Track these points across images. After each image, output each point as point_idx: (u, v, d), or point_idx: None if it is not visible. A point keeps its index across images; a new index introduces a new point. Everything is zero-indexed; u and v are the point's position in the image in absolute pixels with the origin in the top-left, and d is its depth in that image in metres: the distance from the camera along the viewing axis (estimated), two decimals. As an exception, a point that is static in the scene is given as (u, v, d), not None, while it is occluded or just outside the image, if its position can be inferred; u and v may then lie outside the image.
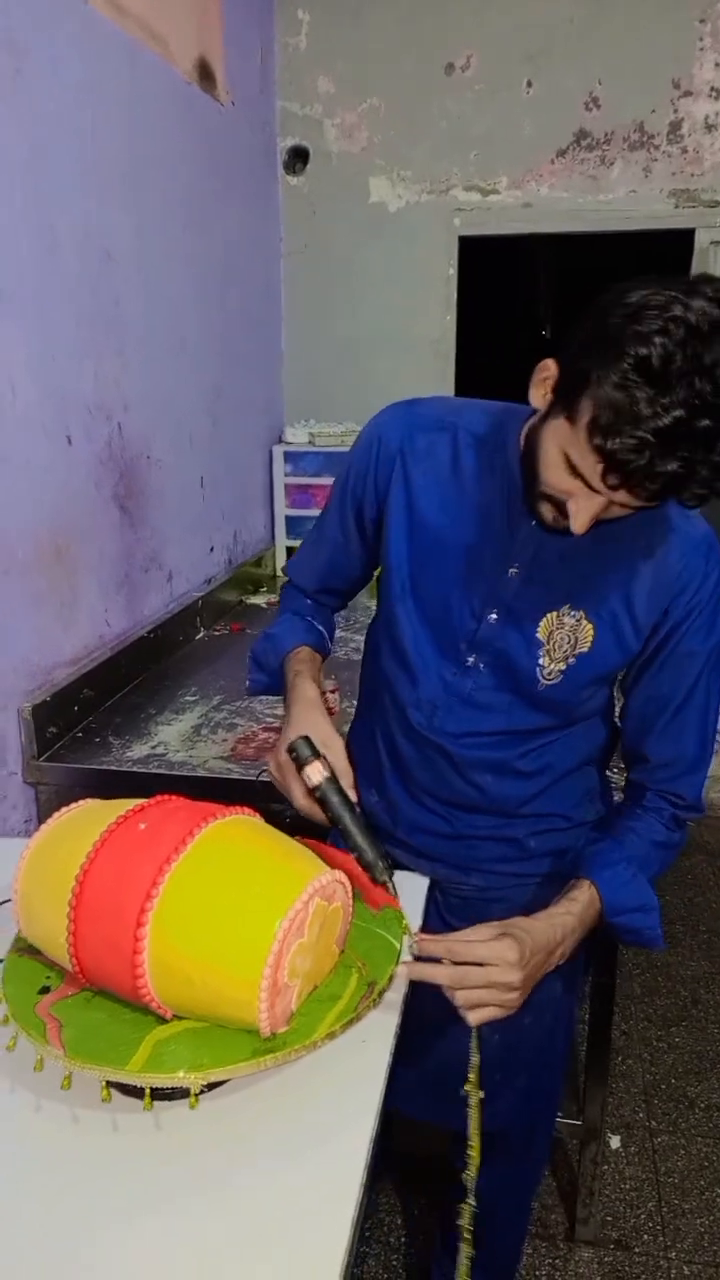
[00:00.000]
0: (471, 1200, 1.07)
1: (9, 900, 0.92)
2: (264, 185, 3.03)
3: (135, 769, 1.71)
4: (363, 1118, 0.81)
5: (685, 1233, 1.80)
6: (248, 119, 2.81)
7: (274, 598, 2.85)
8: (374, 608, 1.26)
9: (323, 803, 1.02)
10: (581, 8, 2.82)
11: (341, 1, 2.96)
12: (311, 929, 0.84)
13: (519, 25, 2.87)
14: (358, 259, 3.16)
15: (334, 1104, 0.83)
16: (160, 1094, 0.81)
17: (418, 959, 0.94)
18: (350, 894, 0.92)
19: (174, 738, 1.83)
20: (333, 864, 0.92)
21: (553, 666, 1.08)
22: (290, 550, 3.14)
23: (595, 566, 1.05)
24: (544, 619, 1.07)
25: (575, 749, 1.18)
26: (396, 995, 0.93)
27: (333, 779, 1.02)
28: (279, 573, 3.15)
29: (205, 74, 2.44)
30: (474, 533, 1.09)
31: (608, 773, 1.30)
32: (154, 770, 1.70)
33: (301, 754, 1.02)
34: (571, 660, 1.08)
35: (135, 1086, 0.80)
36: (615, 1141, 2.01)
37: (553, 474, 0.92)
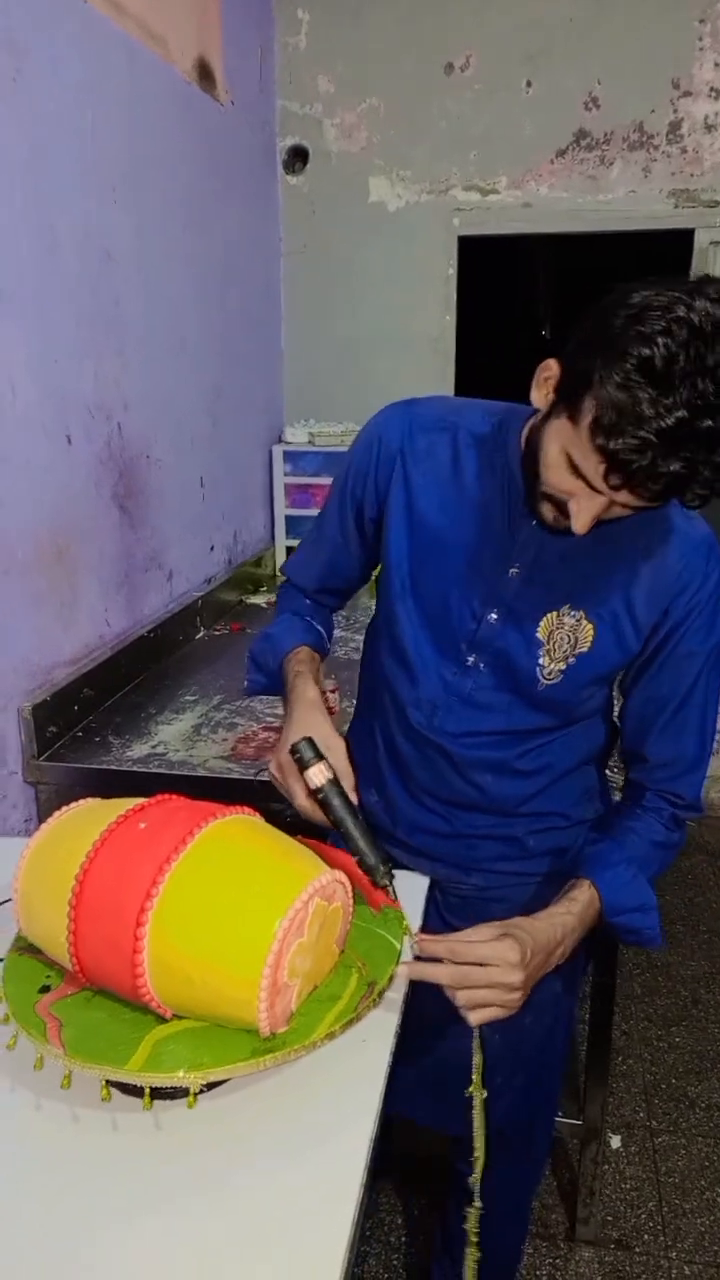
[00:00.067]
0: (479, 1203, 1.07)
1: (9, 899, 0.92)
2: (263, 185, 3.03)
3: (135, 768, 1.71)
4: (362, 1117, 0.81)
5: (686, 1232, 1.80)
6: (247, 119, 2.81)
7: (274, 597, 2.84)
8: (374, 607, 1.26)
9: (325, 805, 1.02)
10: (581, 8, 2.82)
11: (341, 1, 2.96)
12: (311, 929, 0.84)
13: (518, 25, 2.87)
14: (357, 258, 3.16)
15: (334, 1104, 0.83)
16: (160, 1093, 0.81)
17: (418, 959, 0.94)
18: (350, 894, 0.92)
19: (174, 737, 1.83)
20: (333, 864, 0.92)
21: (553, 666, 1.08)
22: (290, 550, 3.14)
23: (596, 566, 1.05)
24: (544, 619, 1.07)
25: (575, 748, 1.18)
26: (397, 995, 0.93)
27: (335, 781, 1.02)
28: (279, 572, 3.15)
29: (205, 73, 2.44)
30: (474, 533, 1.09)
31: (606, 772, 1.30)
32: (154, 770, 1.70)
33: (305, 756, 1.02)
34: (571, 660, 1.08)
35: (135, 1086, 0.80)
36: (616, 1141, 2.01)
37: (554, 474, 0.92)
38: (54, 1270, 0.68)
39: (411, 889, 1.13)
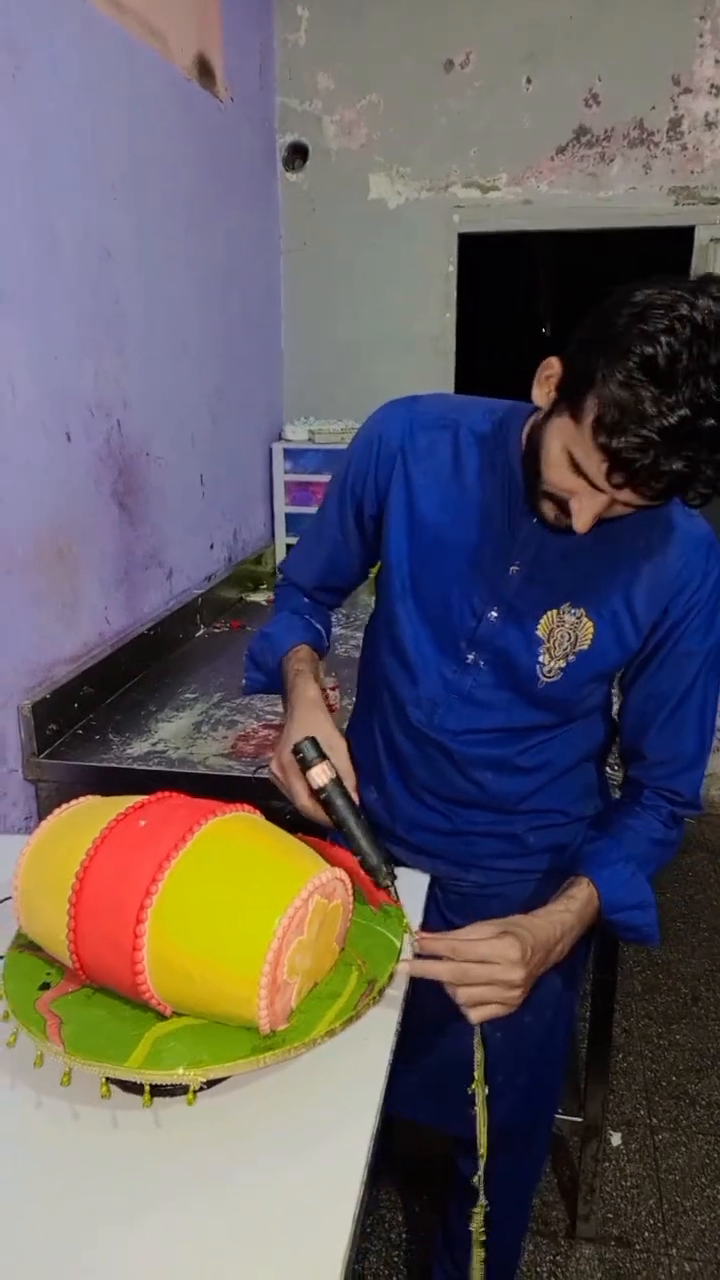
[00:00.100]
0: (484, 1202, 1.07)
1: (9, 897, 0.93)
2: (263, 182, 3.02)
3: (135, 766, 1.71)
4: (363, 1115, 0.81)
5: (686, 1229, 1.81)
6: (247, 116, 2.80)
7: (274, 595, 2.85)
8: (373, 605, 1.26)
9: (327, 805, 1.01)
10: (581, 5, 2.82)
11: (341, -2, 2.96)
12: (311, 926, 0.84)
13: (519, 22, 2.86)
14: (357, 256, 3.15)
15: (334, 1101, 0.83)
16: (160, 1090, 0.81)
17: (419, 957, 0.94)
18: (350, 891, 0.92)
19: (174, 735, 1.83)
20: (333, 861, 0.92)
21: (553, 664, 1.08)
22: (290, 547, 3.14)
23: (596, 565, 1.05)
24: (544, 617, 1.07)
25: (574, 745, 1.18)
26: (397, 993, 0.93)
27: (338, 781, 1.02)
28: (278, 570, 3.15)
29: (204, 70, 2.44)
30: (475, 531, 1.09)
31: (606, 769, 1.30)
32: (154, 767, 1.70)
33: (308, 756, 1.02)
34: (571, 658, 1.08)
35: (135, 1083, 0.80)
36: (616, 1138, 2.01)
37: (556, 472, 0.92)
38: (54, 1268, 0.69)
39: (412, 886, 1.13)
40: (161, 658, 2.24)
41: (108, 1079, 0.80)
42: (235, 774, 1.67)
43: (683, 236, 2.98)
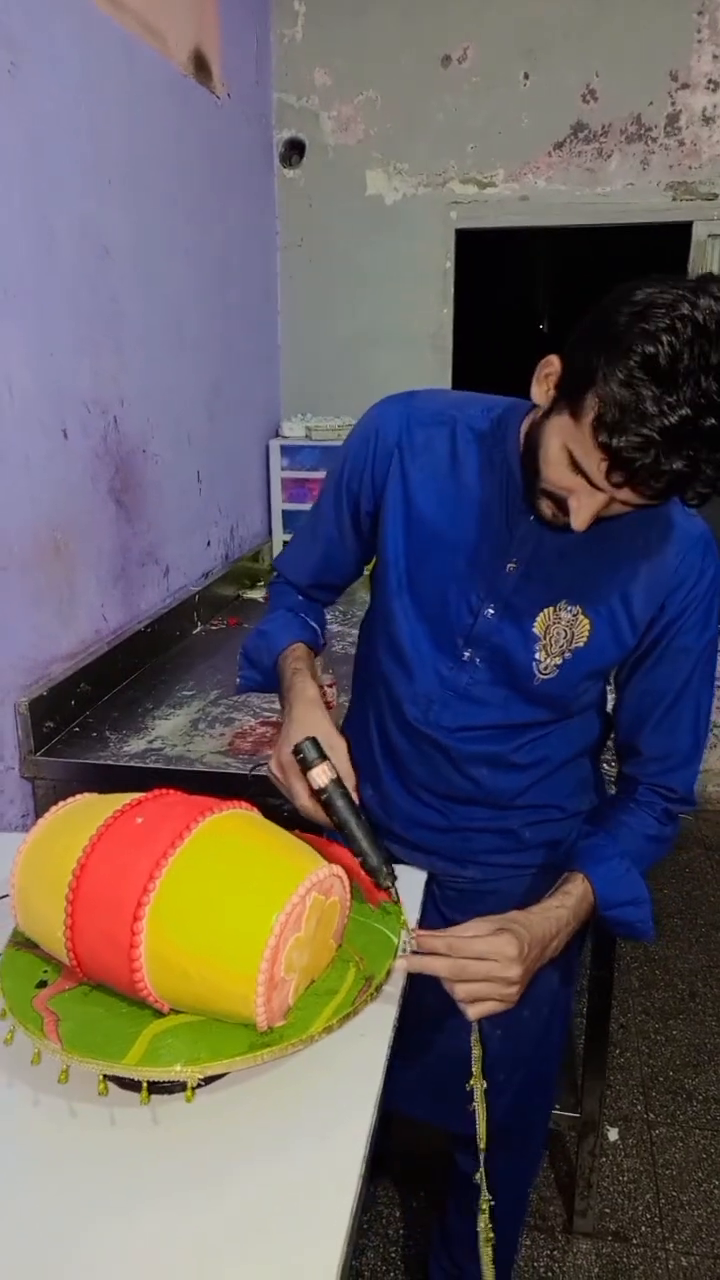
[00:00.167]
0: (489, 1197, 1.07)
1: (6, 895, 0.93)
2: (260, 178, 3.02)
3: (132, 763, 1.71)
4: (361, 1111, 0.81)
5: (683, 1224, 1.81)
6: (244, 111, 2.80)
7: (268, 592, 2.85)
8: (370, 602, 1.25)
9: (328, 806, 1.01)
10: (579, 1, 2.81)
11: (338, -7, 2.95)
12: (308, 923, 0.84)
13: (516, 18, 2.86)
14: (355, 252, 3.15)
15: (332, 1098, 0.83)
16: (157, 1088, 0.81)
17: (416, 954, 0.94)
18: (347, 888, 0.92)
19: (171, 732, 1.83)
20: (330, 858, 0.93)
21: (549, 661, 1.08)
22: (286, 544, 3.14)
23: (593, 562, 1.05)
24: (541, 614, 1.07)
25: (570, 741, 1.19)
26: (394, 989, 0.93)
27: (338, 782, 1.02)
28: (273, 567, 3.14)
29: (201, 66, 2.43)
30: (472, 528, 1.09)
31: (601, 764, 1.30)
32: (151, 765, 1.70)
33: (308, 756, 1.01)
34: (568, 655, 1.08)
35: (132, 1080, 0.80)
36: (613, 1134, 2.02)
37: (555, 470, 0.92)
38: (53, 1265, 0.69)
39: (409, 883, 1.13)
40: (158, 655, 2.24)
41: (105, 1076, 0.80)
42: (232, 771, 1.67)
43: (680, 232, 2.98)
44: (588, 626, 1.07)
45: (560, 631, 1.07)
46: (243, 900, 0.82)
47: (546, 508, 0.98)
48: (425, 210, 3.07)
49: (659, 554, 1.04)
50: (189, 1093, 0.79)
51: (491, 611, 1.09)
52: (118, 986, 0.84)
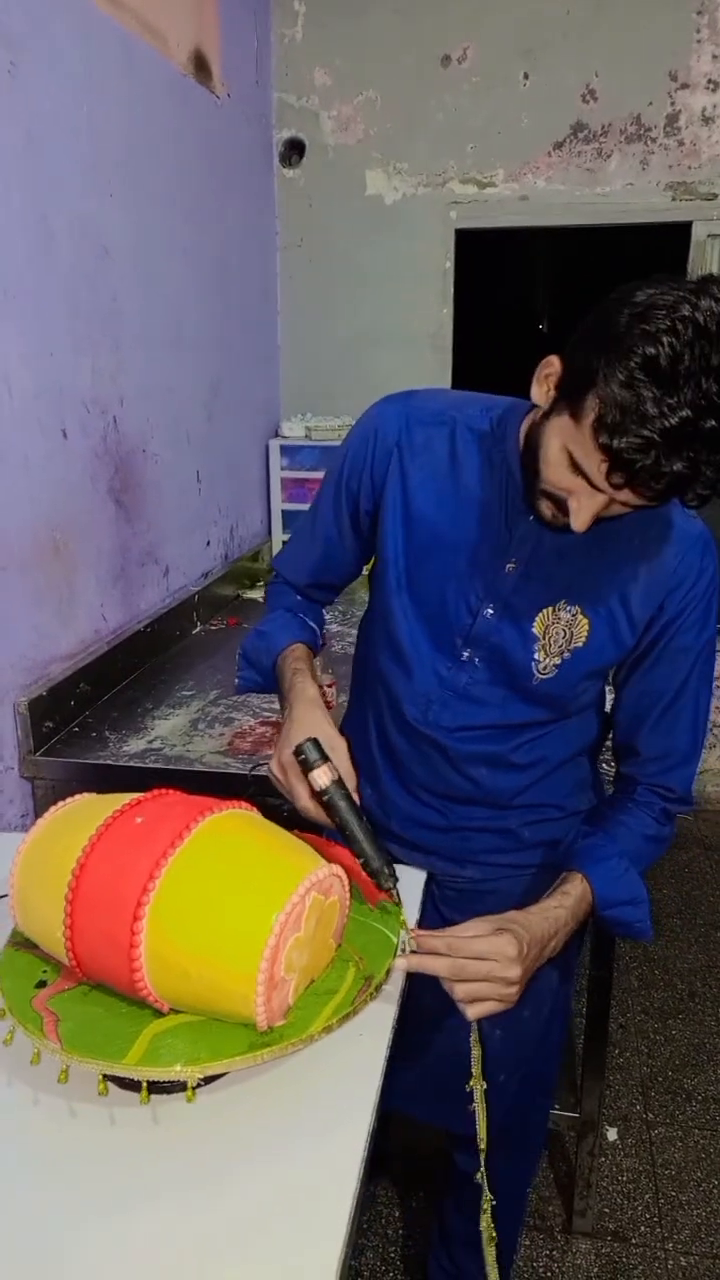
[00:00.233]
0: (490, 1198, 1.07)
1: (5, 895, 0.92)
2: (260, 178, 3.02)
3: (132, 763, 1.71)
4: (360, 1111, 0.81)
5: (682, 1224, 1.81)
6: (243, 111, 2.80)
7: (265, 592, 2.85)
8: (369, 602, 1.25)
9: (329, 807, 1.01)
10: (579, 1, 2.81)
11: (337, -7, 2.95)
12: (308, 923, 0.84)
13: (516, 18, 2.86)
14: (354, 252, 3.15)
15: (331, 1097, 0.83)
16: (157, 1088, 0.81)
17: (415, 954, 0.94)
18: (347, 888, 0.92)
19: (170, 732, 1.83)
20: (329, 858, 0.93)
21: (548, 661, 1.08)
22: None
23: (592, 562, 1.05)
24: (540, 614, 1.07)
25: (569, 741, 1.19)
26: (394, 989, 0.93)
27: (340, 783, 1.01)
28: (271, 567, 3.14)
29: (200, 66, 2.43)
30: (471, 528, 1.09)
31: (599, 764, 1.30)
32: (150, 765, 1.70)
33: (310, 757, 1.01)
34: (566, 655, 1.08)
35: (132, 1080, 0.80)
36: (612, 1133, 2.02)
37: (554, 471, 0.92)
38: (52, 1265, 0.69)
39: (408, 883, 1.13)
40: (158, 655, 2.24)
41: (105, 1076, 0.80)
42: (232, 771, 1.67)
43: (680, 232, 2.98)
44: (586, 626, 1.07)
45: (559, 631, 1.07)
46: (243, 900, 0.82)
47: (546, 508, 0.98)
48: (425, 210, 3.07)
49: (658, 554, 1.04)
50: (189, 1092, 0.79)
51: (491, 611, 1.09)
52: (117, 986, 0.84)
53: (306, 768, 1.01)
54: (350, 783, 1.04)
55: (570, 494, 0.91)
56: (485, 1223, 1.11)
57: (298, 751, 1.02)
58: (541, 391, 0.95)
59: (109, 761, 1.71)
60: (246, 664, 1.28)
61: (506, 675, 1.10)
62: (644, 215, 2.95)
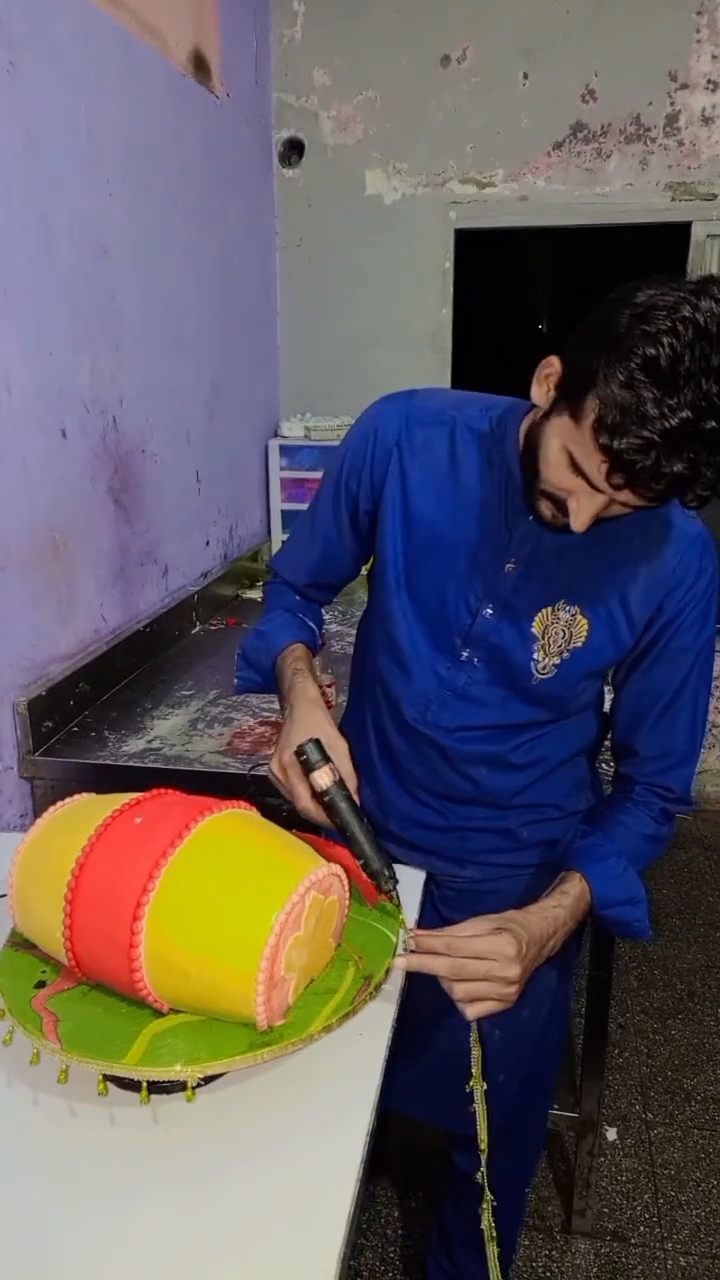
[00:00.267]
0: (490, 1198, 1.07)
1: (4, 895, 0.92)
2: (259, 178, 3.02)
3: (131, 763, 1.71)
4: (360, 1110, 0.81)
5: (681, 1224, 1.81)
6: (243, 111, 2.80)
7: (264, 592, 2.84)
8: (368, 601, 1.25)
9: (330, 809, 1.01)
10: (578, 1, 2.81)
11: (337, -7, 2.95)
12: (308, 922, 0.84)
13: (516, 17, 2.86)
14: (354, 252, 3.15)
15: (331, 1097, 0.83)
16: (157, 1087, 0.81)
17: (415, 953, 0.94)
18: (346, 887, 0.92)
19: (170, 732, 1.83)
20: (329, 857, 0.93)
21: (547, 661, 1.08)
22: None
23: (592, 562, 1.05)
24: (539, 614, 1.07)
25: (567, 741, 1.19)
26: (393, 988, 0.93)
27: (341, 784, 1.01)
28: (269, 566, 3.14)
29: (200, 65, 2.43)
30: (471, 528, 1.09)
31: (598, 764, 1.30)
32: (150, 764, 1.70)
33: (312, 758, 1.01)
34: (566, 655, 1.08)
35: (132, 1080, 0.80)
36: (612, 1133, 2.02)
37: (554, 472, 0.92)
38: (52, 1265, 0.69)
39: (408, 883, 1.13)
40: (157, 655, 2.24)
41: (105, 1076, 0.80)
42: (231, 771, 1.67)
43: (679, 232, 2.98)
44: (586, 626, 1.07)
45: (558, 631, 1.07)
46: (242, 900, 0.82)
47: (546, 509, 0.98)
48: (424, 210, 3.07)
49: (657, 554, 1.04)
50: (189, 1092, 0.79)
51: (490, 611, 1.09)
52: (117, 986, 0.84)
53: (308, 768, 1.01)
54: (351, 784, 1.04)
55: (570, 494, 0.91)
56: (486, 1222, 1.11)
57: (299, 752, 1.02)
58: (541, 392, 0.95)
59: (108, 761, 1.71)
60: (245, 664, 1.28)
61: (506, 675, 1.10)
62: (643, 215, 2.95)
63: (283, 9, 2.99)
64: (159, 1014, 0.84)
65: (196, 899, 0.81)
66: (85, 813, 0.91)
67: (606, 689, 1.23)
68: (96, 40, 1.85)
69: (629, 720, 1.14)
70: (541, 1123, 1.45)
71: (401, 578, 1.13)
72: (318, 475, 3.09)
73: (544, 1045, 1.32)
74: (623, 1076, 2.17)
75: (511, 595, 1.08)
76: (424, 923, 1.07)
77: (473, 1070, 1.03)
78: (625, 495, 0.86)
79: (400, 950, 0.94)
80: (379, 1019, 0.90)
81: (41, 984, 0.88)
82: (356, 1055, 0.87)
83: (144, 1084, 0.79)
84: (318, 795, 1.02)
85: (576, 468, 0.88)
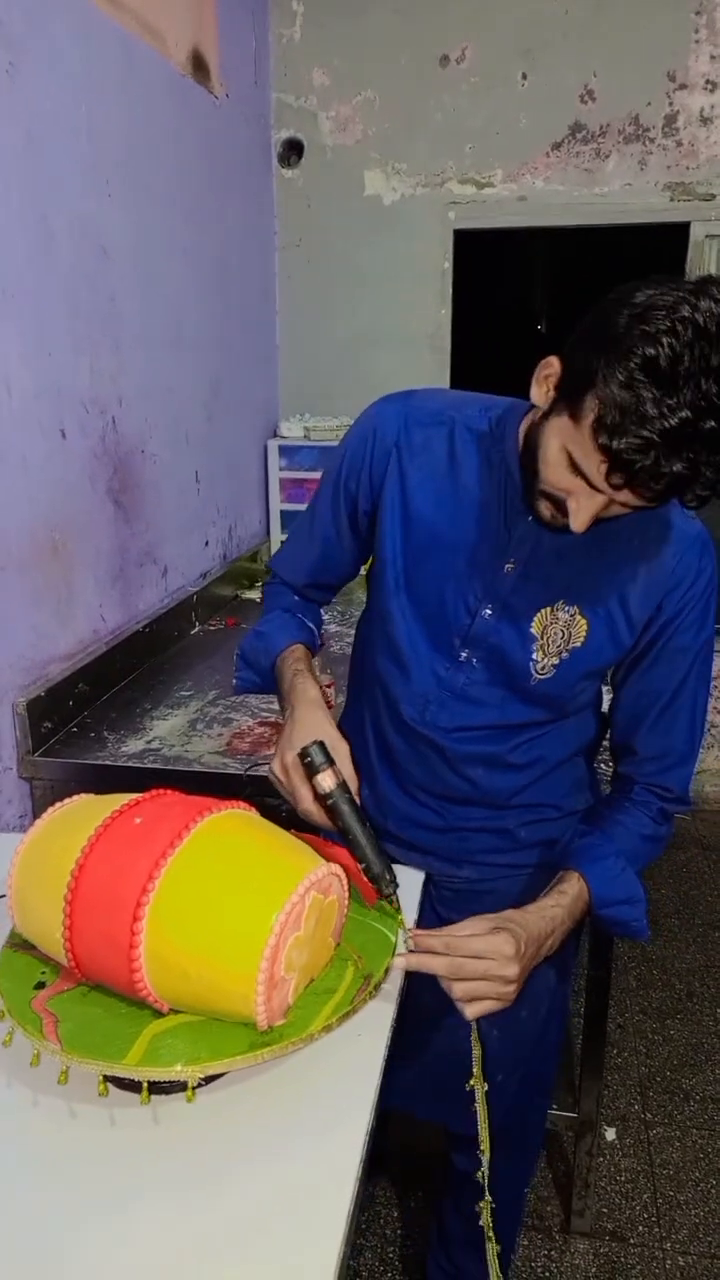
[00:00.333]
0: (490, 1198, 1.08)
1: (3, 896, 0.92)
2: (258, 178, 3.02)
3: (130, 764, 1.71)
4: (359, 1110, 0.81)
5: (680, 1224, 1.81)
6: (242, 111, 2.80)
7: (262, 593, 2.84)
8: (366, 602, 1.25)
9: (333, 811, 1.01)
10: (577, 1, 2.81)
11: (336, -7, 2.95)
12: (308, 922, 0.85)
13: (514, 18, 2.86)
14: (353, 252, 3.15)
15: (331, 1096, 0.83)
16: (157, 1088, 0.81)
17: (414, 952, 0.94)
18: (346, 887, 0.92)
19: (169, 732, 1.83)
20: (328, 858, 0.93)
21: (546, 661, 1.09)
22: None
23: (591, 563, 1.05)
24: (538, 614, 1.08)
25: (566, 741, 1.19)
26: (393, 987, 0.93)
27: (344, 786, 1.01)
28: (268, 567, 3.14)
29: (199, 66, 2.43)
30: (470, 528, 1.09)
31: (596, 764, 1.31)
32: (149, 765, 1.70)
33: (316, 760, 1.00)
34: (565, 655, 1.08)
35: (132, 1081, 0.80)
36: (611, 1133, 2.02)
37: (554, 472, 0.92)
38: (52, 1265, 0.69)
39: (406, 883, 1.13)
40: (156, 655, 2.24)
41: (105, 1077, 0.80)
42: (230, 771, 1.67)
43: (678, 232, 2.98)
44: (585, 626, 1.07)
45: (558, 631, 1.08)
46: (242, 900, 0.82)
47: (545, 509, 0.98)
48: (423, 210, 3.07)
49: (656, 554, 1.04)
50: (189, 1092, 0.79)
51: (489, 612, 1.09)
52: (117, 987, 0.84)
53: (312, 771, 1.01)
54: (353, 785, 1.04)
55: (569, 494, 0.91)
56: (486, 1222, 1.11)
57: (303, 754, 1.01)
58: (541, 392, 0.95)
59: (107, 762, 1.71)
60: (245, 664, 1.28)
61: (504, 675, 1.11)
62: (642, 215, 2.96)
63: (282, 9, 2.99)
64: (159, 1014, 0.84)
65: (196, 899, 0.82)
66: (84, 813, 0.91)
67: (605, 689, 1.23)
68: (96, 40, 1.85)
69: (628, 720, 1.14)
70: (540, 1122, 1.45)
71: (400, 578, 1.13)
72: (317, 475, 3.09)
73: (542, 1045, 1.32)
74: (622, 1076, 2.18)
75: (510, 595, 1.08)
76: (422, 923, 1.07)
77: (473, 1069, 1.03)
78: (625, 495, 0.86)
79: (399, 950, 0.94)
80: (378, 1018, 0.90)
81: (41, 985, 0.88)
82: (356, 1055, 0.87)
83: (144, 1084, 0.79)
84: (320, 798, 1.01)
85: (576, 468, 0.88)
